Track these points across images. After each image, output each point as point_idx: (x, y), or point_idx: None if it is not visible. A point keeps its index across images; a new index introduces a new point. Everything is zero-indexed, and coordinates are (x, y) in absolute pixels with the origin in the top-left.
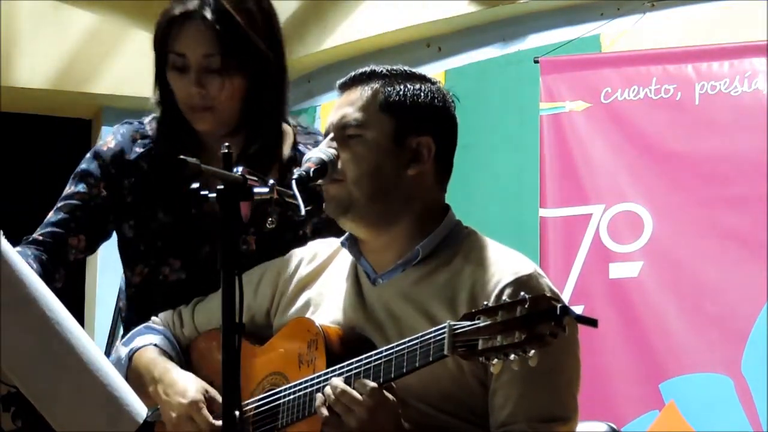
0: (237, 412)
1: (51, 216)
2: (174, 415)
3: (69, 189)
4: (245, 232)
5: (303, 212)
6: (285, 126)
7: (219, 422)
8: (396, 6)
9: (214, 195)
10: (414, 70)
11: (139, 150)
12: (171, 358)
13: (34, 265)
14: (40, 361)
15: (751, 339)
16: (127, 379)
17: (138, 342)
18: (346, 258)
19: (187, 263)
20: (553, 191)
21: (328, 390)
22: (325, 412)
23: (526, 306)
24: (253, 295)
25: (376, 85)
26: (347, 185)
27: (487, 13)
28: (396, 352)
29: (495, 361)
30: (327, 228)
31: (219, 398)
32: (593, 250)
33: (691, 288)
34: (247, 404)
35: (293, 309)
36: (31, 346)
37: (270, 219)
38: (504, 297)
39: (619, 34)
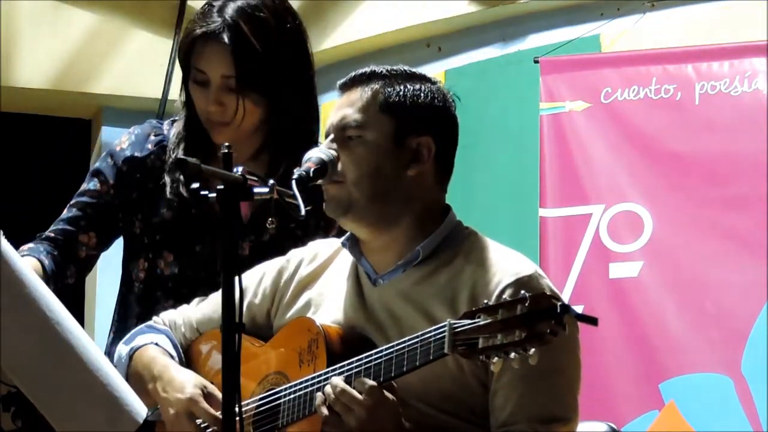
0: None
1: (64, 213)
2: (172, 411)
3: (82, 187)
4: (243, 237)
5: (303, 212)
6: None
7: (219, 413)
8: (396, 6)
9: (214, 195)
10: (414, 70)
11: (150, 147)
12: (171, 357)
13: (47, 261)
14: (40, 361)
15: (751, 339)
16: (127, 377)
17: (139, 341)
18: (346, 258)
19: (180, 257)
20: (553, 191)
21: (328, 389)
22: (325, 411)
23: (527, 304)
24: (254, 295)
25: (376, 86)
26: (347, 186)
27: (487, 13)
28: (396, 351)
29: (495, 359)
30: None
31: (217, 394)
32: (593, 250)
33: (691, 288)
34: (248, 403)
35: (294, 309)
36: (31, 346)
37: (270, 219)
38: (504, 297)
39: (619, 34)
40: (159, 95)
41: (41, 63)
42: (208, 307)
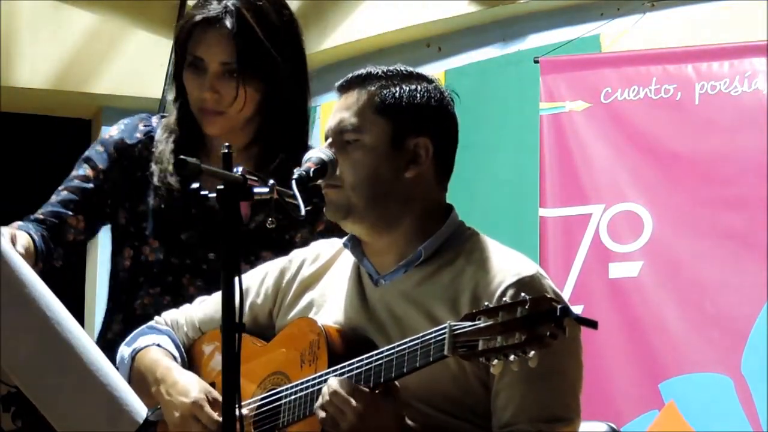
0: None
1: (53, 197)
2: (177, 414)
3: (72, 173)
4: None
5: (303, 212)
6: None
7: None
8: (396, 6)
9: (214, 195)
10: (411, 69)
11: (139, 136)
12: (174, 358)
13: (36, 237)
14: (40, 361)
15: (751, 339)
16: (129, 379)
17: (141, 342)
18: (348, 259)
19: (165, 244)
20: (553, 191)
21: (324, 389)
22: (321, 413)
23: (527, 307)
24: (256, 295)
25: (372, 88)
26: (345, 191)
27: (487, 13)
28: (396, 352)
29: (495, 361)
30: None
31: (221, 399)
32: (593, 250)
33: (691, 288)
34: (249, 403)
35: (296, 310)
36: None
37: (270, 219)
38: (506, 298)
39: (619, 34)
40: (159, 95)
41: (41, 63)
42: (210, 306)
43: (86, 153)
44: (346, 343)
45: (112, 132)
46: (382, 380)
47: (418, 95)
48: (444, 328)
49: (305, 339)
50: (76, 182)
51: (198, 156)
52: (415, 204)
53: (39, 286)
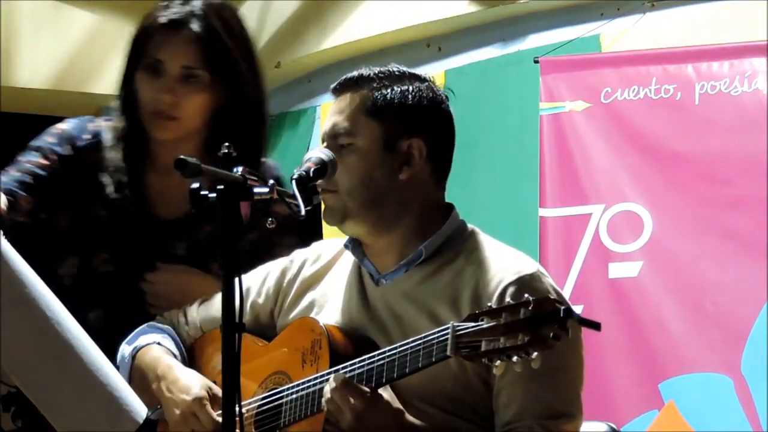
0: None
1: (3, 176)
2: (177, 412)
3: (20, 158)
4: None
5: (303, 212)
6: (266, 161)
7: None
8: (396, 6)
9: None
10: (405, 69)
11: (88, 137)
12: (174, 356)
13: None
14: (40, 361)
15: (751, 339)
16: (130, 377)
17: (141, 341)
18: (349, 259)
19: (118, 256)
20: (552, 191)
21: (326, 388)
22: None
23: (530, 308)
24: (257, 294)
25: (364, 91)
26: (341, 195)
27: (487, 13)
28: (399, 352)
29: (498, 362)
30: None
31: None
32: (593, 250)
33: (691, 288)
34: (250, 403)
35: (297, 309)
36: (31, 346)
37: (270, 219)
38: (506, 296)
39: (619, 34)
40: None
41: (41, 63)
42: (211, 306)
43: (36, 143)
44: (348, 343)
45: (62, 126)
46: (384, 380)
47: (410, 96)
48: (447, 328)
49: (307, 339)
50: (29, 166)
51: (143, 163)
52: (412, 204)
53: (39, 286)
